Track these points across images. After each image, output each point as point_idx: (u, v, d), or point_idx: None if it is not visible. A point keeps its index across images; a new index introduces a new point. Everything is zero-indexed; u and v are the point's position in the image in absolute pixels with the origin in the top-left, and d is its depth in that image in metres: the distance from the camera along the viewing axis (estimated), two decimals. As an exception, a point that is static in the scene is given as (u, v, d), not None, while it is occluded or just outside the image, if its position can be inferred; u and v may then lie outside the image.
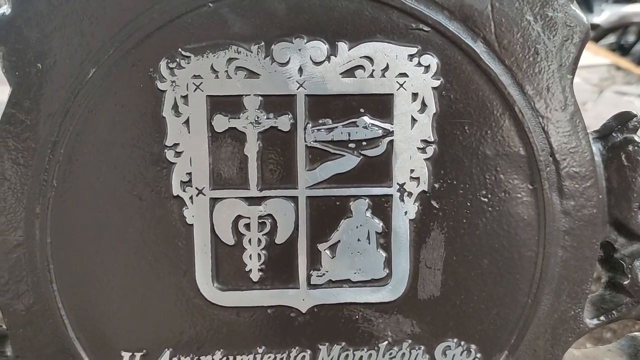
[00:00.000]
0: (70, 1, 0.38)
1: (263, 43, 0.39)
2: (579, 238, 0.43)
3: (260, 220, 0.42)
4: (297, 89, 0.40)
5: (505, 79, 0.40)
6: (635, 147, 0.42)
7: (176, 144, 0.40)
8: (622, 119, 0.43)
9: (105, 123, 0.40)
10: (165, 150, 0.40)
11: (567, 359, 0.46)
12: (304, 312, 0.43)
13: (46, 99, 0.39)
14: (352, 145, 0.41)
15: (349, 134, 0.41)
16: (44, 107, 0.39)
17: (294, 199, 0.42)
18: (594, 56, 4.06)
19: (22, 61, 0.39)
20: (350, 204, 0.42)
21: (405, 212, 0.42)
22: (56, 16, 0.39)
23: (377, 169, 0.41)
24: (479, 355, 0.44)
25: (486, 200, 0.42)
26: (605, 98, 3.42)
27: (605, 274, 0.46)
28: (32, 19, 0.39)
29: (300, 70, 0.40)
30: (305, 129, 0.41)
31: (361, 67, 0.40)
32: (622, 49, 4.34)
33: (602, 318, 0.45)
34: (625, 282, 0.44)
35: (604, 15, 4.83)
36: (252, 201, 0.41)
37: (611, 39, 4.63)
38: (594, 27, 4.84)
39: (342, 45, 0.40)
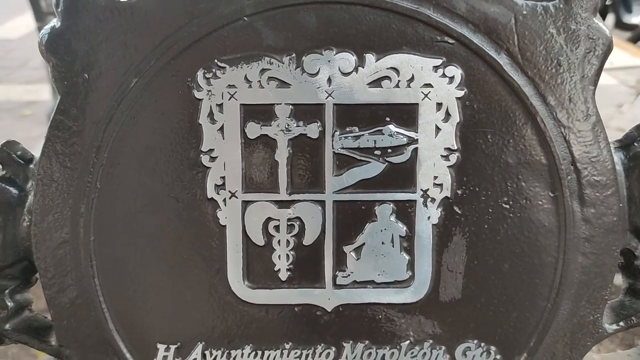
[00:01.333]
0: (115, 16, 0.41)
1: (294, 54, 0.41)
2: (599, 245, 0.44)
3: (289, 223, 0.44)
4: (326, 99, 0.42)
5: (528, 89, 0.42)
6: (657, 157, 0.43)
7: (211, 150, 0.43)
8: (644, 129, 0.44)
9: (146, 129, 0.43)
10: (201, 155, 0.43)
11: (586, 363, 0.47)
12: (329, 310, 0.45)
13: (92, 107, 0.42)
14: (377, 152, 0.43)
15: (375, 142, 0.43)
16: (89, 114, 0.42)
17: (322, 203, 0.44)
18: (632, 57, 3.98)
19: (71, 72, 0.42)
20: (375, 208, 0.44)
21: (429, 217, 0.44)
22: (102, 30, 0.41)
23: (402, 175, 0.43)
24: (498, 356, 0.45)
25: (508, 206, 0.43)
26: (642, 100, 3.34)
27: (626, 281, 0.47)
28: (80, 33, 0.41)
29: (329, 80, 0.42)
30: (333, 136, 0.43)
31: (387, 77, 0.42)
32: (661, 50, 4.23)
33: (621, 324, 0.46)
34: (646, 289, 0.45)
35: (642, 16, 4.72)
36: (282, 204, 0.44)
37: (650, 39, 4.52)
38: (633, 27, 4.74)
39: (370, 57, 0.42)
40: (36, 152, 0.45)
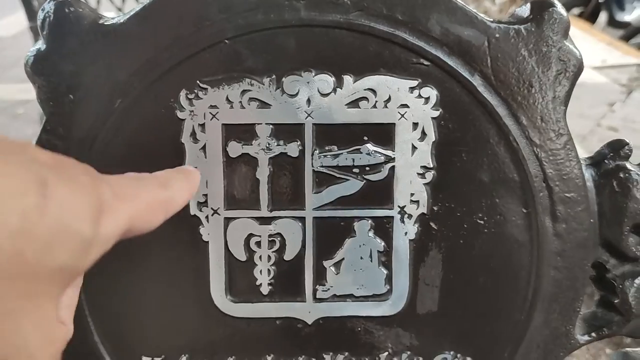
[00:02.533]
0: (100, 38, 0.42)
1: (274, 76, 0.43)
2: (570, 259, 0.45)
3: (270, 239, 0.45)
4: (306, 118, 0.43)
5: (501, 110, 0.43)
6: (627, 174, 0.44)
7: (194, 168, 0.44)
8: (615, 147, 0.45)
9: (130, 148, 0.44)
10: (184, 174, 0.44)
11: (560, 373, 0.49)
12: (309, 323, 0.46)
13: (77, 127, 0.43)
14: (356, 170, 0.44)
15: (353, 160, 0.44)
16: (75, 133, 0.43)
17: (302, 219, 0.45)
18: (624, 55, 4.01)
19: (56, 92, 0.43)
20: (354, 224, 0.45)
21: (406, 233, 0.45)
22: (87, 52, 0.42)
23: (380, 192, 0.44)
24: (474, 367, 0.47)
25: (482, 222, 0.45)
26: (634, 99, 3.37)
27: (598, 293, 0.48)
28: (66, 55, 0.42)
29: (309, 101, 0.43)
30: (312, 155, 0.44)
31: (365, 98, 0.43)
32: (653, 49, 4.26)
33: (593, 334, 0.47)
34: (616, 301, 0.47)
35: (635, 13, 4.75)
36: (263, 221, 0.45)
37: (642, 37, 4.55)
38: (625, 25, 4.77)
39: (348, 78, 0.43)
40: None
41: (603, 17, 5.05)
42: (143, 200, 0.31)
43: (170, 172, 0.37)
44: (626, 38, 4.51)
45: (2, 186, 0.20)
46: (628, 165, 0.45)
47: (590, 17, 5.01)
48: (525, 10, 0.42)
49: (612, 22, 4.92)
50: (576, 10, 5.10)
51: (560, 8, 0.42)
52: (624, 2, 4.89)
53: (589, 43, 4.20)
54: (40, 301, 0.23)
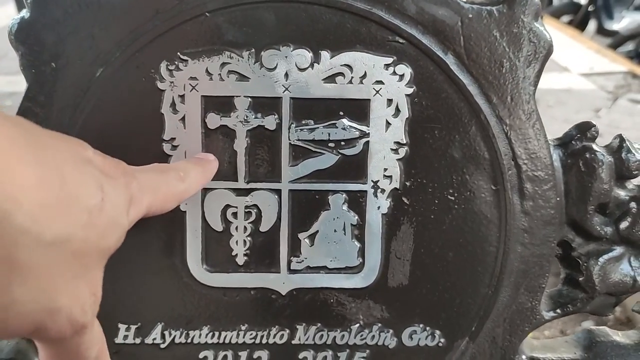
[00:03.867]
0: (83, 9, 0.43)
1: (253, 50, 0.44)
2: (537, 236, 0.47)
3: (246, 210, 0.46)
4: (283, 92, 0.44)
5: (472, 88, 0.44)
6: (592, 155, 0.46)
7: (173, 139, 0.45)
8: (582, 128, 0.47)
9: (110, 117, 0.45)
10: (163, 144, 0.45)
11: (527, 348, 0.50)
12: (283, 294, 0.47)
13: (58, 95, 0.44)
14: (331, 144, 0.45)
15: (329, 135, 0.45)
16: (56, 101, 0.44)
17: (278, 192, 0.46)
18: (611, 63, 4.06)
19: (39, 60, 0.44)
20: (329, 197, 0.46)
21: (378, 207, 0.46)
22: (70, 22, 0.43)
23: (354, 167, 0.46)
24: (442, 340, 0.48)
25: (453, 198, 0.46)
26: (619, 106, 3.41)
27: (563, 271, 0.50)
28: (49, 24, 0.43)
29: (287, 75, 0.44)
30: (289, 128, 0.45)
31: (341, 74, 0.44)
32: (640, 57, 4.31)
33: (558, 311, 0.49)
34: (581, 279, 0.48)
35: (623, 22, 4.81)
36: (240, 192, 0.46)
37: (630, 46, 4.61)
38: (613, 33, 4.82)
39: (325, 54, 0.44)
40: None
41: (592, 25, 5.11)
42: (162, 193, 0.37)
43: (189, 164, 0.42)
44: (614, 46, 4.56)
45: (76, 191, 0.28)
46: (594, 147, 0.46)
47: (580, 25, 5.07)
48: (497, -8, 0.44)
49: (601, 31, 4.98)
50: (566, 18, 5.16)
51: (531, -9, 0.43)
52: (613, 11, 4.95)
53: (578, 50, 4.25)
54: (93, 271, 0.30)
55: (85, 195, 0.28)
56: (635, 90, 3.63)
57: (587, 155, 0.46)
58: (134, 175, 0.34)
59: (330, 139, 0.45)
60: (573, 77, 3.75)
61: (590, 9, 5.01)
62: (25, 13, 0.44)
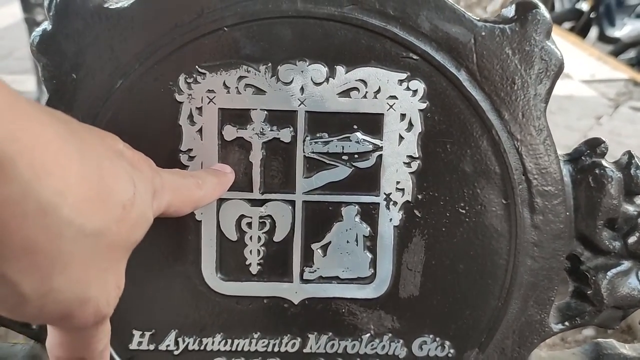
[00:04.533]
0: (104, 21, 0.44)
1: (270, 64, 0.45)
2: (546, 250, 0.47)
3: (260, 220, 0.47)
4: (299, 106, 0.45)
5: (484, 104, 0.45)
6: (602, 171, 0.47)
7: (190, 149, 0.46)
8: (592, 144, 0.48)
9: (129, 128, 0.45)
10: (180, 155, 0.45)
11: (534, 359, 0.51)
12: (296, 303, 0.48)
13: (78, 105, 0.45)
14: (345, 157, 0.46)
15: (343, 147, 0.46)
16: (75, 112, 0.45)
17: (292, 203, 0.47)
18: (613, 70, 4.07)
19: (59, 71, 0.44)
20: (342, 209, 0.47)
21: (391, 219, 0.47)
22: (91, 33, 0.44)
23: (367, 179, 0.46)
24: (452, 350, 0.49)
25: (464, 212, 0.47)
26: (620, 113, 3.43)
27: (572, 284, 0.51)
28: (70, 35, 0.44)
29: (302, 89, 0.45)
30: (304, 141, 0.46)
31: (356, 88, 0.45)
32: (641, 64, 4.33)
33: (566, 323, 0.49)
34: (589, 292, 0.49)
35: (625, 30, 4.82)
36: (255, 203, 0.47)
37: (631, 53, 4.62)
38: (615, 41, 4.84)
39: (340, 69, 0.45)
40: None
41: (594, 32, 5.13)
42: (181, 195, 0.38)
43: (207, 174, 0.43)
44: (616, 53, 4.58)
45: (112, 185, 0.29)
46: (603, 163, 0.47)
47: (581, 31, 5.08)
48: (510, 11, 0.45)
49: (603, 38, 5.00)
50: (567, 25, 5.17)
51: (543, 10, 0.44)
52: (615, 18, 4.97)
53: (580, 57, 4.27)
54: (120, 264, 0.31)
55: (120, 189, 0.29)
56: (636, 97, 3.64)
57: (597, 171, 0.47)
58: (158, 171, 0.36)
59: (344, 151, 0.46)
60: (575, 84, 3.76)
61: (592, 15, 5.03)
62: (47, 25, 0.44)
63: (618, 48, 4.65)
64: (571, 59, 4.13)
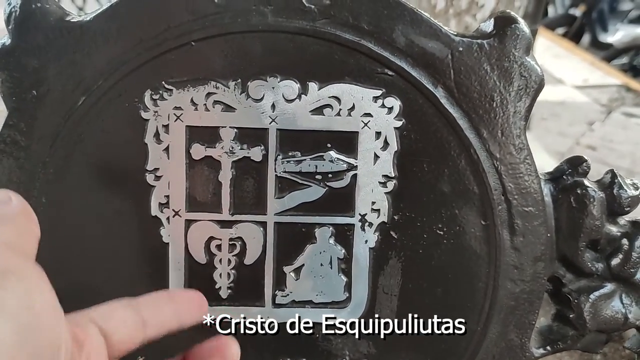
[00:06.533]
0: (65, 35, 0.42)
1: (240, 80, 0.43)
2: (527, 272, 0.46)
3: (230, 242, 0.45)
4: (270, 124, 0.43)
5: (462, 122, 0.44)
6: (584, 191, 0.45)
7: (156, 169, 0.44)
8: (574, 163, 0.46)
9: (93, 146, 0.43)
10: (146, 174, 0.44)
11: (515, 385, 0.49)
12: (268, 329, 0.46)
13: (39, 123, 0.43)
14: (318, 177, 0.44)
15: (316, 167, 0.44)
16: (37, 130, 0.43)
17: (263, 224, 0.45)
18: (605, 76, 4.07)
19: (19, 87, 0.43)
20: (315, 230, 0.45)
21: (366, 241, 0.45)
22: (52, 48, 0.42)
23: (341, 200, 0.45)
24: (430, 377, 0.47)
25: (442, 233, 0.45)
26: (613, 119, 3.43)
27: (554, 307, 0.49)
28: (30, 50, 0.42)
29: (273, 106, 0.43)
30: (275, 160, 0.44)
31: (329, 106, 0.43)
32: (634, 70, 4.34)
33: (548, 348, 0.48)
34: (572, 316, 0.47)
35: (617, 35, 4.84)
36: (224, 224, 0.45)
37: (624, 59, 4.63)
38: (607, 46, 4.85)
39: (313, 85, 0.43)
40: None
41: (586, 38, 5.14)
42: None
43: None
44: (608, 59, 4.59)
45: None
46: (585, 182, 0.46)
47: (574, 37, 5.09)
48: (488, 25, 0.43)
49: (595, 43, 5.01)
50: (560, 30, 5.18)
51: (523, 24, 0.43)
52: (607, 23, 4.98)
53: (572, 62, 4.27)
54: None
55: None
56: (629, 103, 3.64)
57: (579, 191, 0.45)
58: None
59: (318, 171, 0.44)
60: (567, 90, 3.76)
61: (584, 21, 5.04)
62: (5, 39, 0.43)
63: (611, 54, 4.65)
64: (564, 64, 4.13)
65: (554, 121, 3.32)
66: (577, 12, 5.15)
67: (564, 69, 3.98)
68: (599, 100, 3.68)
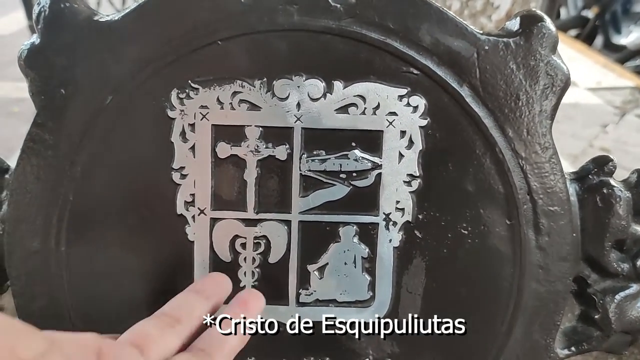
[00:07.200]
0: (94, 34, 0.43)
1: (265, 79, 0.43)
2: (552, 273, 0.45)
3: (255, 241, 0.45)
4: (295, 122, 0.44)
5: (488, 121, 0.43)
6: (610, 190, 0.45)
7: (182, 167, 0.44)
8: (600, 163, 0.46)
9: (119, 145, 0.44)
10: (172, 173, 0.44)
11: (539, 386, 0.49)
12: (292, 327, 0.46)
13: (67, 122, 0.43)
14: (343, 175, 0.44)
15: (341, 165, 0.44)
16: (65, 128, 0.43)
17: (287, 223, 0.45)
18: (619, 78, 4.04)
19: (48, 86, 0.43)
20: (339, 229, 0.45)
21: (390, 240, 0.45)
22: (81, 47, 0.43)
23: (366, 198, 0.45)
24: (454, 377, 0.47)
25: (466, 232, 0.45)
26: (627, 121, 3.39)
27: (579, 307, 0.49)
28: (59, 49, 0.43)
29: (299, 105, 0.43)
30: (300, 159, 0.44)
31: (354, 104, 0.43)
32: (648, 72, 4.30)
33: (572, 349, 0.47)
34: (597, 316, 0.47)
35: (631, 37, 4.80)
36: (249, 223, 0.45)
37: (637, 61, 4.59)
38: (621, 48, 4.82)
39: (338, 84, 0.43)
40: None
41: (600, 39, 5.10)
42: None
43: None
44: (622, 61, 4.55)
45: None
46: (611, 182, 0.45)
47: (587, 39, 5.05)
48: (514, 24, 0.43)
49: (608, 45, 4.97)
50: (573, 32, 5.15)
51: (549, 23, 0.43)
52: (621, 25, 4.94)
53: (585, 64, 4.24)
54: None
55: None
56: (642, 105, 3.61)
57: (605, 191, 0.45)
58: None
59: (342, 170, 0.44)
60: (580, 92, 3.73)
61: (597, 23, 5.00)
62: (35, 39, 0.43)
63: (624, 55, 4.61)
64: (577, 66, 4.10)
65: (567, 124, 3.29)
66: (590, 13, 5.11)
67: (576, 71, 3.94)
68: (612, 103, 3.65)
